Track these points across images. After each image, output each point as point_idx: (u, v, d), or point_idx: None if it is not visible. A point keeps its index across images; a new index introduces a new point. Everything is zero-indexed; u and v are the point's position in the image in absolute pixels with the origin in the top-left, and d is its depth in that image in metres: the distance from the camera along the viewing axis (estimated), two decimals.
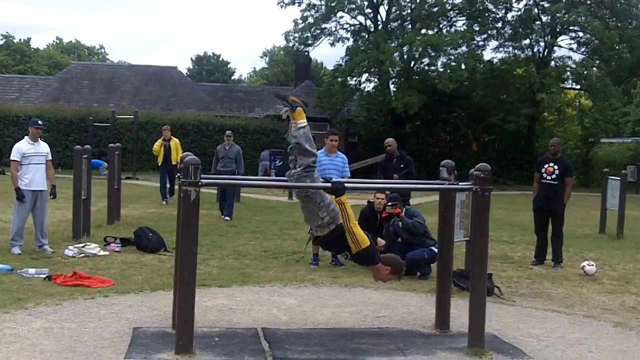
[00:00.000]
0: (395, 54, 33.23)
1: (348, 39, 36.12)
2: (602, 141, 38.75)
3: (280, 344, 6.25)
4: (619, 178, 15.55)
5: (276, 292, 8.50)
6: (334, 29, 36.12)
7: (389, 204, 9.86)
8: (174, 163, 17.56)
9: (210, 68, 71.57)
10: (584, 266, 10.45)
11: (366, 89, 36.30)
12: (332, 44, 36.34)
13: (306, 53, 38.14)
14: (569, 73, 35.14)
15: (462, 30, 34.39)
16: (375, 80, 35.92)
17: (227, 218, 15.30)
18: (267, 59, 73.78)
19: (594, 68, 35.75)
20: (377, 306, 7.89)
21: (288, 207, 19.58)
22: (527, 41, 35.27)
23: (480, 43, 35.86)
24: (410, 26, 34.76)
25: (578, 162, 34.91)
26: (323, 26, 35.72)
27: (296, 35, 36.43)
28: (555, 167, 11.06)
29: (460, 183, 7.10)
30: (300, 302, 7.96)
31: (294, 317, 7.29)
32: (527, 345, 6.52)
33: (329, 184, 6.16)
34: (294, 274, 9.67)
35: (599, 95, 33.48)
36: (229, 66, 74.48)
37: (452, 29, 34.84)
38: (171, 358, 5.69)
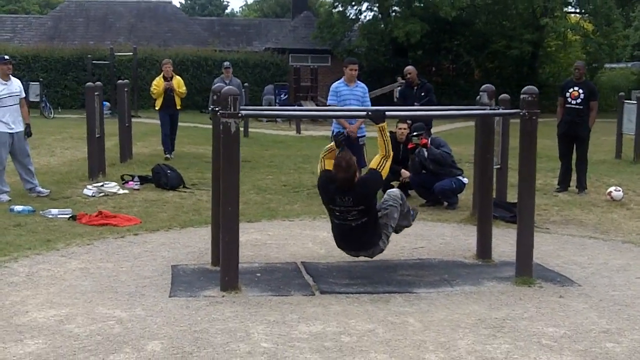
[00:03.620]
0: None
1: None
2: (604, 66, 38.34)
3: (324, 277, 6.13)
4: (635, 102, 15.30)
5: (307, 225, 8.37)
6: None
7: (414, 134, 9.62)
8: (178, 107, 14.77)
9: (203, 2, 70.21)
10: (611, 192, 10.31)
11: (366, 19, 35.65)
12: None
13: None
14: None
15: None
16: (375, 8, 35.21)
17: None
18: None
19: None
20: (411, 237, 7.73)
21: (298, 141, 19.38)
22: None
23: None
24: None
25: None
26: None
27: None
28: (580, 91, 10.81)
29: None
30: None
31: (331, 250, 7.12)
32: (572, 273, 6.41)
33: (369, 112, 6.02)
34: (319, 207, 9.44)
35: (603, 20, 32.90)
36: (221, 0, 73.05)
37: None
38: (217, 295, 5.57)
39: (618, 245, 7.54)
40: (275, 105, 25.93)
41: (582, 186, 10.95)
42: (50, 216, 8.51)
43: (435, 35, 33.91)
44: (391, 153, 5.99)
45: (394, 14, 34.64)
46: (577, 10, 36.42)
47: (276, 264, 6.55)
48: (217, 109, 5.72)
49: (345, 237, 5.99)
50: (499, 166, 8.78)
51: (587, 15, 35.18)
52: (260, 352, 4.43)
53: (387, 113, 6.01)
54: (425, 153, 9.58)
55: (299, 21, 37.58)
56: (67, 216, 8.48)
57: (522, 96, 5.93)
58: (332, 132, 10.55)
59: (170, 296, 5.53)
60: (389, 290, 5.81)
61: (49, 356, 4.30)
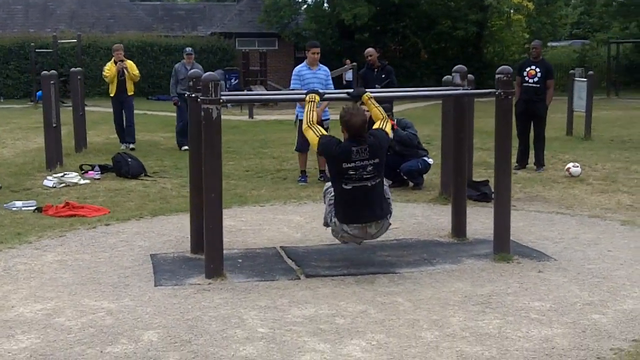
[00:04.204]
0: None
1: None
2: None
3: (306, 261, 6.14)
4: (586, 79, 15.67)
5: (278, 210, 8.36)
6: None
7: None
8: (130, 93, 14.29)
9: None
10: (570, 168, 10.56)
11: (313, 1, 35.56)
12: None
13: None
14: None
15: None
16: None
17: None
18: None
19: None
20: None
21: (252, 126, 19.29)
22: None
23: None
24: None
25: None
26: None
27: None
28: (537, 69, 11.03)
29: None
30: (307, 219, 7.83)
31: (307, 234, 7.18)
32: (546, 248, 6.55)
33: (350, 92, 6.17)
34: (287, 191, 9.53)
35: None
36: None
37: None
38: (203, 282, 5.53)
39: (585, 220, 7.73)
40: (225, 91, 25.71)
41: (540, 163, 11.19)
42: (15, 209, 8.32)
43: (382, 17, 34.01)
44: (385, 114, 6.02)
45: None
46: None
47: (256, 250, 6.54)
48: (194, 95, 5.66)
49: (362, 202, 5.55)
50: None
51: None
52: (259, 337, 4.44)
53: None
54: (392, 134, 9.63)
55: (244, 5, 37.29)
56: (32, 208, 8.31)
57: (497, 76, 6.03)
58: (296, 117, 10.56)
59: (155, 285, 5.47)
60: (372, 271, 5.87)
61: (45, 351, 4.23)
